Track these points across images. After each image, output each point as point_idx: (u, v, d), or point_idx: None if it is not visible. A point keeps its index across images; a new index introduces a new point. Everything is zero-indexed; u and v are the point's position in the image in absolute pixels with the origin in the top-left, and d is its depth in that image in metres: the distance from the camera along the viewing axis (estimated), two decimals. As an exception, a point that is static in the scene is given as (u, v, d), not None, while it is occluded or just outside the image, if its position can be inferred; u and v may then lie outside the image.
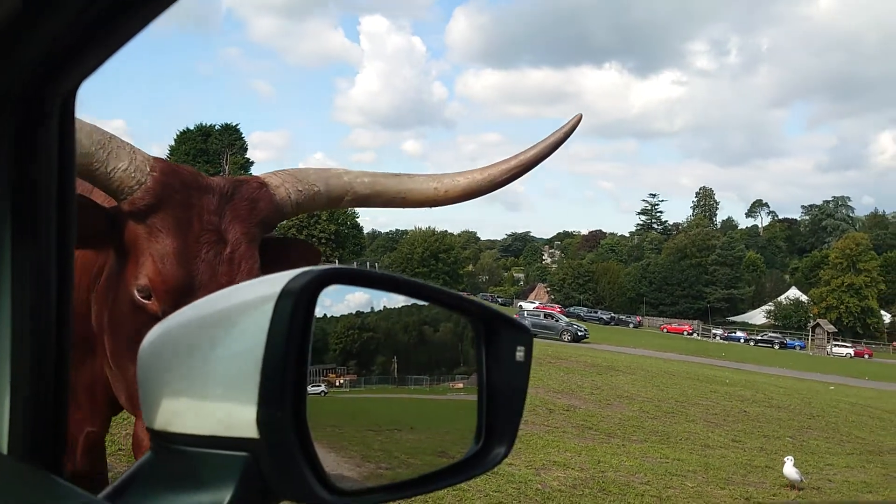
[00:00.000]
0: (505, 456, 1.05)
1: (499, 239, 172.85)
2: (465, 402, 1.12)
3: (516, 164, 2.42)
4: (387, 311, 1.13)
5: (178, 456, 0.84)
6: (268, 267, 2.01)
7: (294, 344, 0.79)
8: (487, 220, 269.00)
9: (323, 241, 71.61)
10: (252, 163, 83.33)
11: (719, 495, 8.82)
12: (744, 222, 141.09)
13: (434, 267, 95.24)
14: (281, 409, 0.77)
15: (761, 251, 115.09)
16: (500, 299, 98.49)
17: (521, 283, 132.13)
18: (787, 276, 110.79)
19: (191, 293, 1.82)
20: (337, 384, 1.05)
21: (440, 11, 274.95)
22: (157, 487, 0.84)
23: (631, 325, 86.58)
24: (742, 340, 77.82)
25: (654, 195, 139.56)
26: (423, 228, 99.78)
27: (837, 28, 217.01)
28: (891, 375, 42.67)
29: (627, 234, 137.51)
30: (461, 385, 1.17)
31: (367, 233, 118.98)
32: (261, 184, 2.08)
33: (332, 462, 1.00)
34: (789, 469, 9.60)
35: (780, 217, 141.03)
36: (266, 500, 0.82)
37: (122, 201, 1.90)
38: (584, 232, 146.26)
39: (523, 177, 2.47)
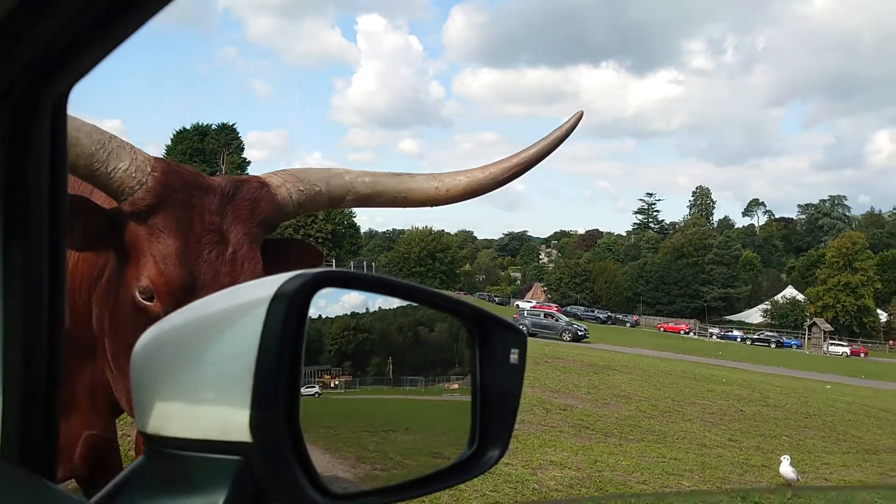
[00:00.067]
0: (499, 459, 1.05)
1: (496, 238, 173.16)
2: (460, 403, 1.12)
3: (518, 161, 2.40)
4: (382, 312, 1.13)
5: (171, 460, 0.83)
6: (269, 268, 2.00)
7: (287, 347, 0.79)
8: (484, 220, 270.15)
9: (320, 240, 71.52)
10: (249, 162, 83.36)
11: (716, 495, 8.83)
12: (740, 221, 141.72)
13: (431, 266, 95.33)
14: (274, 413, 0.77)
15: (758, 250, 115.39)
16: (496, 299, 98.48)
17: (518, 282, 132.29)
18: (783, 275, 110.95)
19: (193, 294, 1.80)
20: (332, 385, 1.05)
21: (437, 11, 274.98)
22: (149, 492, 0.84)
23: (628, 325, 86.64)
24: (739, 339, 78.01)
25: (650, 194, 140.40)
26: (420, 228, 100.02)
27: (835, 27, 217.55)
28: (887, 374, 42.77)
29: (624, 234, 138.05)
30: (456, 386, 1.17)
31: (364, 232, 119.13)
32: (262, 183, 2.07)
33: (327, 463, 1.00)
34: (786, 468, 9.62)
35: (777, 216, 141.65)
36: None
37: (122, 202, 1.89)
38: (581, 231, 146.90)
39: (521, 176, 2.45)
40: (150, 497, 0.83)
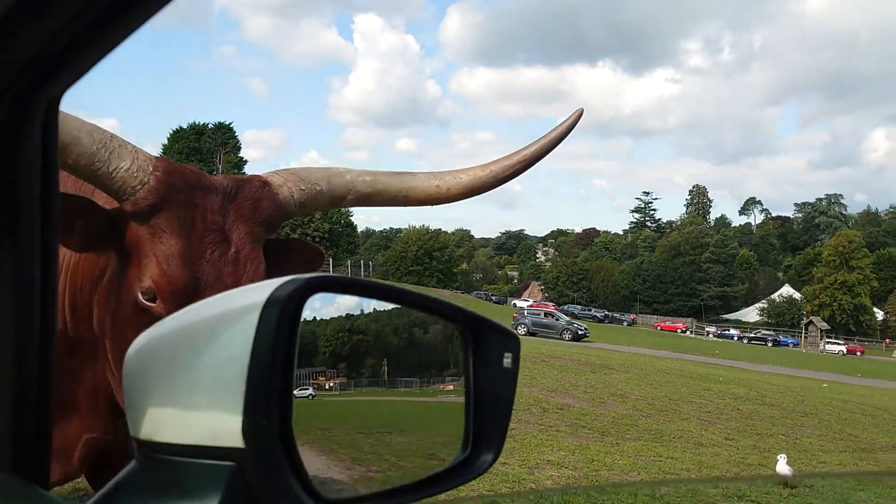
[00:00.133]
0: (492, 463, 1.05)
1: (493, 237, 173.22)
2: (455, 404, 1.12)
3: (519, 159, 2.39)
4: (377, 314, 1.13)
5: (163, 465, 0.83)
6: (270, 268, 1.99)
7: (280, 353, 0.79)
8: (481, 219, 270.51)
9: (317, 239, 71.41)
10: (245, 161, 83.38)
11: (712, 493, 8.84)
12: (737, 220, 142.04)
13: (428, 265, 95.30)
14: (266, 419, 0.77)
15: (754, 249, 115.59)
16: (493, 297, 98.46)
17: (515, 281, 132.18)
18: (780, 274, 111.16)
19: (196, 295, 1.79)
20: (327, 387, 1.04)
21: (434, 10, 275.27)
22: (141, 497, 0.83)
23: (625, 323, 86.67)
24: (735, 338, 78.06)
25: (647, 193, 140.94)
26: (417, 227, 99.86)
27: (831, 25, 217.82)
28: (883, 372, 42.83)
29: (621, 232, 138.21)
30: (451, 387, 1.17)
31: (361, 231, 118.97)
32: (263, 183, 2.06)
33: (322, 465, 1.00)
34: (782, 467, 9.63)
35: (774, 215, 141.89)
36: None
37: (124, 202, 1.88)
38: (578, 230, 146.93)
39: (522, 174, 2.44)
40: (143, 503, 0.83)
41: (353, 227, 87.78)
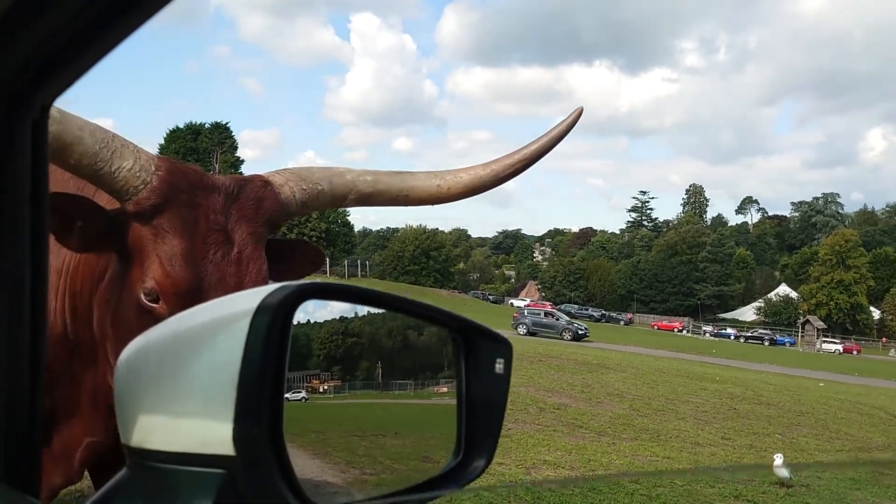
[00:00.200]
0: (484, 469, 1.04)
1: (490, 236, 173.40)
2: (449, 406, 1.12)
3: (520, 158, 2.39)
4: (371, 317, 1.13)
5: (154, 473, 0.83)
6: (273, 267, 1.99)
7: (270, 360, 0.78)
8: (478, 218, 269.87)
9: (314, 239, 71.37)
10: (242, 161, 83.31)
11: (709, 493, 8.85)
12: (734, 219, 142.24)
13: (425, 265, 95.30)
14: (257, 426, 0.77)
15: (751, 248, 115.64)
16: (490, 297, 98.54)
17: (513, 280, 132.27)
18: (776, 273, 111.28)
19: (199, 296, 1.79)
20: (321, 390, 1.04)
21: (431, 9, 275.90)
22: None
23: (622, 323, 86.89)
24: (732, 337, 78.08)
25: (644, 192, 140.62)
26: (414, 226, 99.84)
27: (825, 25, 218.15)
28: (880, 371, 42.92)
29: (618, 232, 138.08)
30: (445, 389, 1.17)
31: (358, 231, 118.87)
32: (265, 182, 2.05)
33: (317, 468, 0.99)
34: (779, 466, 9.64)
35: (770, 214, 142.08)
36: None
37: (126, 202, 1.87)
38: (575, 229, 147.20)
39: (522, 173, 2.44)
40: None
41: (349, 226, 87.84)
